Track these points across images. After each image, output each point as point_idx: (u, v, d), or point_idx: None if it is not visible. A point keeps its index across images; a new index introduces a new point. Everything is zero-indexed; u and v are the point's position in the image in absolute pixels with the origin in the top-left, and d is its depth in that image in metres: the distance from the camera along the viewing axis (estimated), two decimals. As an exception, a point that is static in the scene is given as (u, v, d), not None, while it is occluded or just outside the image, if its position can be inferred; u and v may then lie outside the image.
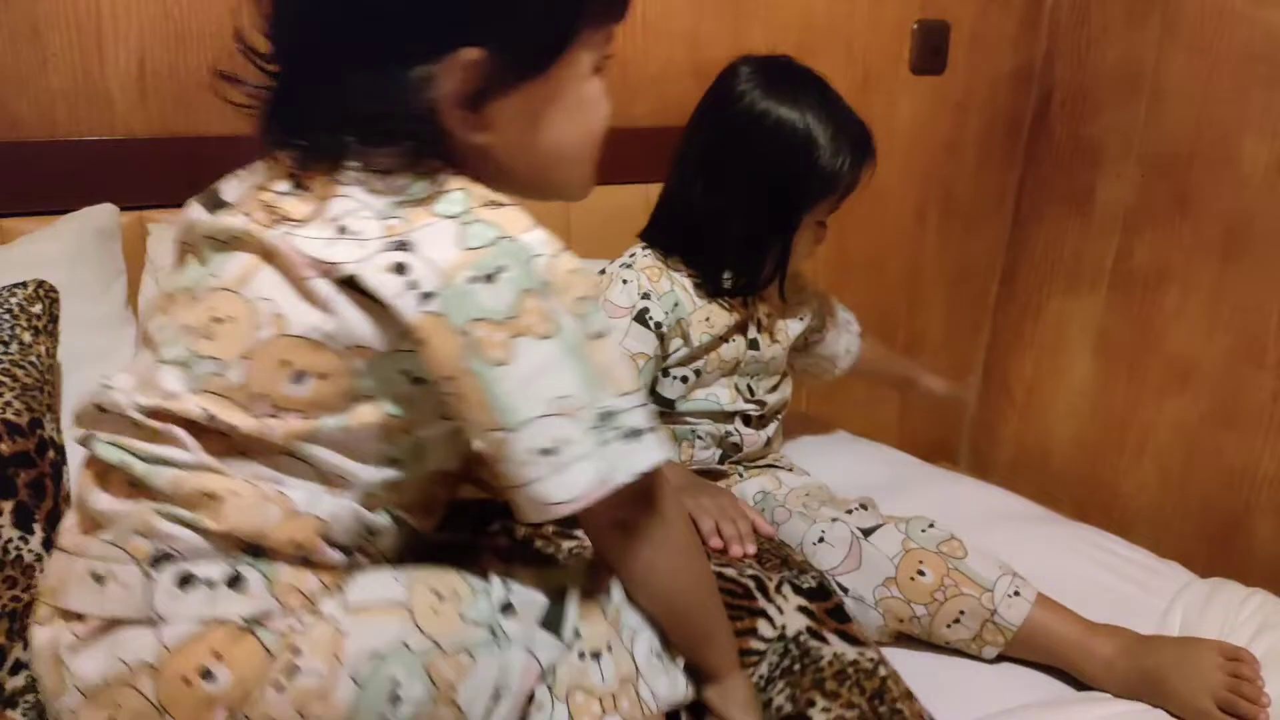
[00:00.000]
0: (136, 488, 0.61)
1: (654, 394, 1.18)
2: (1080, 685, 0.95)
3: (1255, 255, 1.68)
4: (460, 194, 0.61)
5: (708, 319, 1.17)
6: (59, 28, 1.19)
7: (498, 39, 0.61)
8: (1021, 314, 2.10)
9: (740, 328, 1.20)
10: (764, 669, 0.81)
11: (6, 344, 0.93)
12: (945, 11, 1.86)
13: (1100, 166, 1.91)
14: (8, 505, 0.80)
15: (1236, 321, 1.72)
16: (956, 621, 0.96)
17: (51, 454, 0.87)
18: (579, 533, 0.83)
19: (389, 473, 0.65)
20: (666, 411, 1.19)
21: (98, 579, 0.60)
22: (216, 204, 0.66)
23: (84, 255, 1.15)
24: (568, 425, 0.60)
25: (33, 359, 0.93)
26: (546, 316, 0.60)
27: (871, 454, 1.46)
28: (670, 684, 0.70)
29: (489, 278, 0.58)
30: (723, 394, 1.20)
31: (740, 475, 1.21)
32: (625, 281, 1.15)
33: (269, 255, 0.61)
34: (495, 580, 0.68)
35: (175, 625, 0.59)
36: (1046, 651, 0.96)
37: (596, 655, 0.67)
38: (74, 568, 0.61)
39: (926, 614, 0.97)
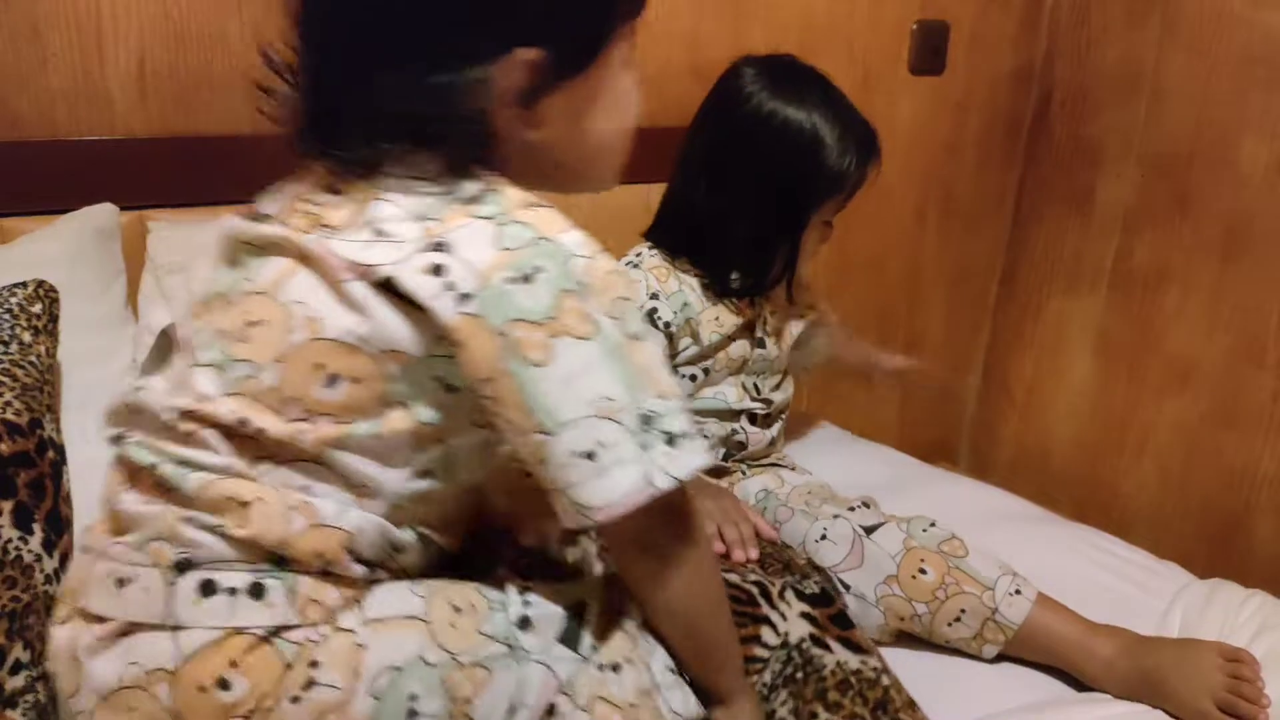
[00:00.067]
0: (164, 490, 0.61)
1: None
2: (1080, 686, 0.95)
3: (1255, 255, 1.68)
4: (497, 195, 0.61)
5: (717, 318, 1.17)
6: (59, 28, 1.19)
7: (551, 37, 0.61)
8: (1021, 314, 2.10)
9: (747, 327, 1.20)
10: (767, 677, 0.81)
11: (6, 344, 0.93)
12: (945, 12, 1.86)
13: (1100, 166, 1.91)
14: (7, 505, 0.79)
15: (1236, 321, 1.72)
16: (957, 620, 0.96)
17: (51, 454, 0.87)
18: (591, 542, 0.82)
19: (419, 484, 0.64)
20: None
21: (119, 582, 0.60)
22: (256, 217, 0.66)
23: (84, 255, 1.15)
24: (608, 428, 0.59)
25: (33, 359, 0.93)
26: (585, 317, 0.59)
27: (871, 454, 1.46)
28: (684, 700, 0.70)
29: (526, 278, 0.58)
30: (730, 392, 1.20)
31: (743, 473, 1.21)
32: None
33: (306, 259, 0.61)
34: (513, 594, 0.67)
35: (194, 632, 0.58)
36: (1046, 651, 0.96)
37: (615, 668, 0.67)
38: (96, 569, 0.61)
39: (928, 612, 0.97)
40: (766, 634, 0.82)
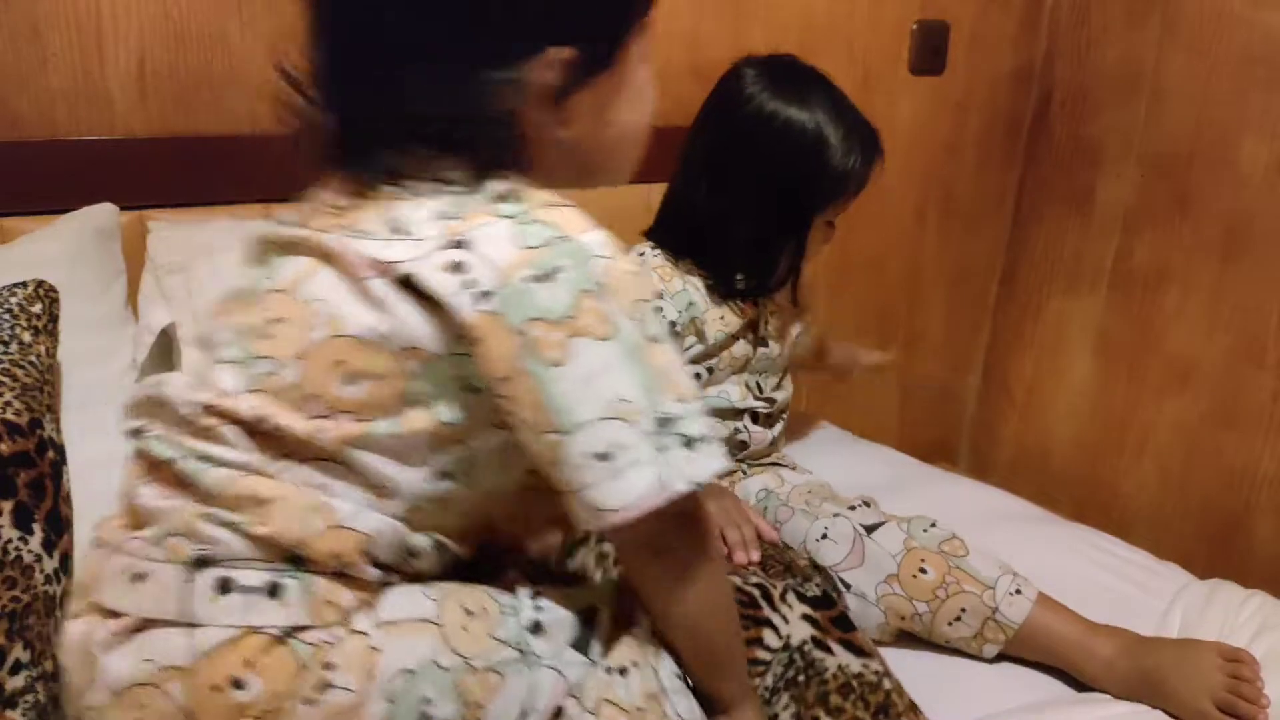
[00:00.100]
0: (183, 485, 0.61)
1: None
2: (1080, 686, 0.95)
3: (1255, 255, 1.68)
4: (519, 194, 0.61)
5: (722, 318, 1.17)
6: (59, 28, 1.19)
7: (582, 35, 0.62)
8: (1021, 314, 2.10)
9: (750, 326, 1.20)
10: (769, 680, 0.80)
11: (6, 344, 0.93)
12: (945, 12, 1.86)
13: (1100, 166, 1.91)
14: (7, 505, 0.79)
15: (1236, 321, 1.72)
16: (958, 619, 0.96)
17: (51, 454, 0.87)
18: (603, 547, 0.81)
19: (439, 486, 0.64)
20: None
21: (136, 577, 0.60)
22: (282, 220, 0.66)
23: (84, 255, 1.15)
24: (624, 430, 0.58)
25: (32, 359, 0.93)
26: (604, 318, 0.59)
27: (871, 454, 1.46)
28: (689, 706, 0.69)
29: (546, 277, 0.58)
30: (733, 391, 1.20)
31: (744, 473, 1.21)
32: None
33: (327, 257, 0.61)
34: (524, 599, 0.67)
35: (210, 630, 0.58)
36: (1046, 651, 0.96)
37: (623, 671, 0.67)
38: (112, 564, 0.61)
39: (928, 611, 0.97)
40: (768, 637, 0.82)
